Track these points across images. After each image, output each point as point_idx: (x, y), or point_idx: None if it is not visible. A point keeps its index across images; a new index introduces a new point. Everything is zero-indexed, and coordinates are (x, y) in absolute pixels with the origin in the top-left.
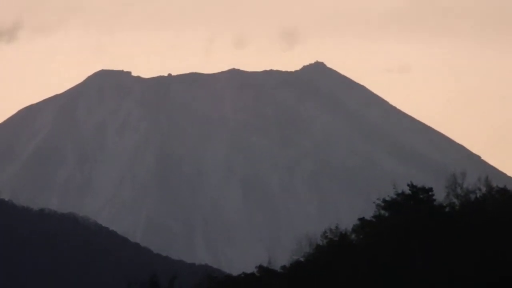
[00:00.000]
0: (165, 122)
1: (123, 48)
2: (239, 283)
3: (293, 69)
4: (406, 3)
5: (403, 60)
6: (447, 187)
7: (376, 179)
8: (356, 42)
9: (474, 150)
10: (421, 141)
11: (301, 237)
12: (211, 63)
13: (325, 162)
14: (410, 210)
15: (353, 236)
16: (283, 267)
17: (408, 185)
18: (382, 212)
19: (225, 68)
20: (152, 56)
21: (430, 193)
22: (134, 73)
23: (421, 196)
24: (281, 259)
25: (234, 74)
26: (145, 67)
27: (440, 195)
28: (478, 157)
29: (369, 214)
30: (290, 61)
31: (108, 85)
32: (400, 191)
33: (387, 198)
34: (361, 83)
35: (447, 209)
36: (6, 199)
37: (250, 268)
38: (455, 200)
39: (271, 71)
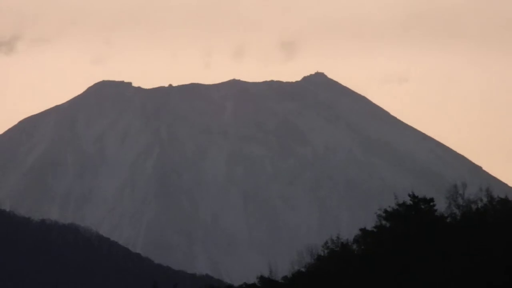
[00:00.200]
0: (165, 133)
1: (124, 59)
2: None
3: (293, 80)
4: (404, 14)
5: (402, 71)
6: (448, 198)
7: (376, 190)
8: (354, 52)
9: (475, 160)
10: (422, 151)
11: (301, 248)
12: (211, 74)
13: (326, 173)
14: (411, 220)
15: (354, 246)
16: (285, 277)
17: (409, 195)
18: (384, 222)
19: (225, 79)
20: (152, 67)
21: (431, 203)
22: (134, 84)
23: (423, 207)
24: (282, 269)
25: (234, 85)
26: (146, 78)
27: (441, 206)
28: (479, 168)
29: (370, 225)
30: (290, 72)
31: (108, 96)
32: (401, 202)
33: (389, 209)
34: (361, 93)
35: (448, 220)
36: (7, 210)
37: (251, 279)
38: (456, 211)
39: (271, 81)
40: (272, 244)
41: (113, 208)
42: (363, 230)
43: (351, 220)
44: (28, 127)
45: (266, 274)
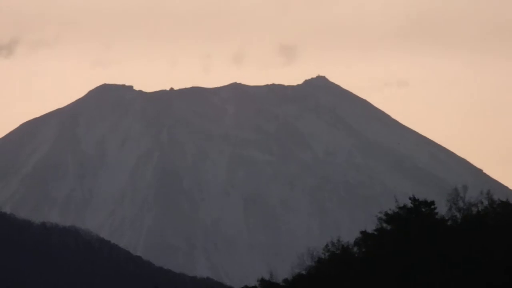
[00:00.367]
0: (166, 137)
1: (124, 62)
2: None
3: (294, 83)
4: (404, 19)
5: (402, 74)
6: (449, 201)
7: (377, 194)
8: (355, 56)
9: (476, 163)
10: (423, 155)
11: (302, 251)
12: (212, 77)
13: (326, 176)
14: (412, 223)
15: (355, 249)
16: (285, 280)
17: (410, 198)
18: (384, 225)
19: (226, 82)
20: (153, 71)
21: (432, 206)
22: (135, 88)
23: (423, 210)
24: (283, 272)
25: (235, 89)
26: (146, 81)
27: (442, 209)
28: (480, 171)
29: (370, 229)
30: (291, 75)
31: (109, 100)
32: (402, 205)
33: (389, 212)
34: (362, 97)
35: (449, 223)
36: (8, 213)
37: (251, 282)
38: (457, 214)
39: (272, 85)
40: (273, 247)
41: (114, 211)
42: (363, 233)
43: (352, 223)
44: (29, 130)
45: (266, 277)
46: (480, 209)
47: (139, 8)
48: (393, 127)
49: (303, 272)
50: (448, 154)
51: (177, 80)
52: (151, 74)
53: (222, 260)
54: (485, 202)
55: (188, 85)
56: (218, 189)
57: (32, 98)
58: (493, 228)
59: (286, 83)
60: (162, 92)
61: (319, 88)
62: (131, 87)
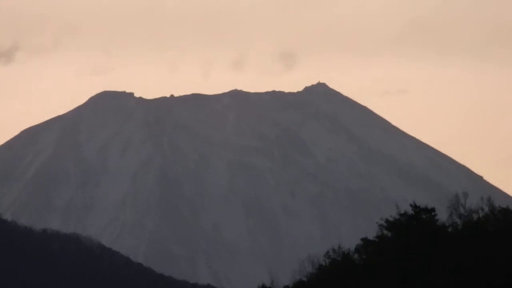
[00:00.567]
0: (167, 143)
1: (125, 69)
2: None
3: (295, 90)
4: (404, 26)
5: (402, 81)
6: (450, 207)
7: (378, 201)
8: (355, 63)
9: (477, 170)
10: (423, 161)
11: (303, 258)
12: (213, 84)
13: (327, 183)
14: (413, 230)
15: (356, 255)
16: (286, 286)
17: (410, 205)
18: (385, 232)
19: (226, 89)
20: (153, 78)
21: (432, 213)
22: (136, 94)
23: (424, 216)
24: (283, 279)
25: (235, 95)
26: (147, 88)
27: (442, 215)
28: (481, 177)
29: (371, 235)
30: (292, 82)
31: (110, 106)
32: (402, 212)
33: (390, 218)
34: (363, 104)
35: (449, 229)
36: (9, 220)
37: None
38: (457, 220)
39: (273, 92)
40: (274, 254)
41: (115, 218)
42: (364, 239)
43: (353, 230)
44: (30, 137)
45: (267, 283)
46: (480, 216)
47: (139, 15)
48: (393, 133)
49: (304, 279)
50: (449, 161)
51: (177, 87)
52: (152, 81)
53: (223, 266)
54: (486, 209)
55: (189, 92)
56: (219, 196)
57: (33, 104)
58: (493, 235)
59: (286, 90)
60: (163, 99)
61: (320, 95)
62: (131, 94)
